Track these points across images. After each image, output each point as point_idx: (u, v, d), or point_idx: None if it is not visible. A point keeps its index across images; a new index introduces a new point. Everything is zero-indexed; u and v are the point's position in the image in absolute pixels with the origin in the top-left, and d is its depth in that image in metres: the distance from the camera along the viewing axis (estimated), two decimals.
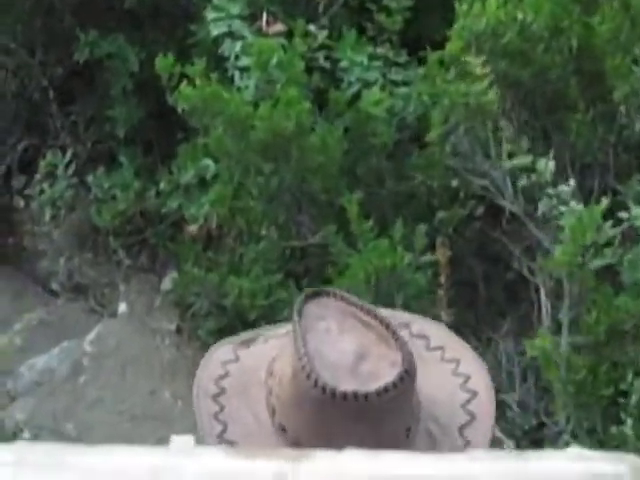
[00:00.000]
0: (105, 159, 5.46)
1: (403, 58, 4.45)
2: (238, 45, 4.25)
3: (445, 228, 3.99)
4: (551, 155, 3.30)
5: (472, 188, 3.85)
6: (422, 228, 4.02)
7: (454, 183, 3.83)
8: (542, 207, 3.24)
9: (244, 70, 4.24)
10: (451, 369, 1.42)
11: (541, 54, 3.51)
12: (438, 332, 1.48)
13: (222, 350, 1.45)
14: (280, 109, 3.60)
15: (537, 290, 3.96)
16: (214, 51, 4.52)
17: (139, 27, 5.27)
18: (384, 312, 1.40)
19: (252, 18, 4.45)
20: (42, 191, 5.60)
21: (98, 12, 5.26)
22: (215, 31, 4.31)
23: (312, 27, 4.27)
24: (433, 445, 1.33)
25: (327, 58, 4.25)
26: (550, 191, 3.15)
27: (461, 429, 1.36)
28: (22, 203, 6.26)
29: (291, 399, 1.32)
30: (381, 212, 4.03)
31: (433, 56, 3.89)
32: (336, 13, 4.72)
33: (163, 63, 3.99)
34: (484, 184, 3.74)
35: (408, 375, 1.30)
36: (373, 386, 1.28)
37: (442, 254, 3.67)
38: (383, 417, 1.29)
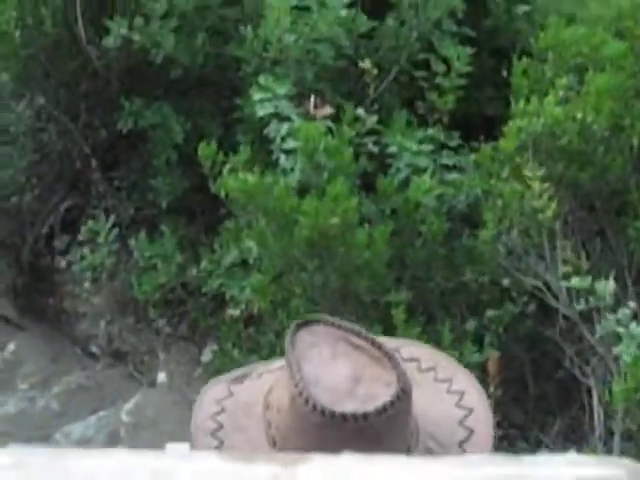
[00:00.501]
0: (148, 224, 5.36)
1: (455, 141, 4.30)
2: (284, 127, 4.12)
3: (495, 326, 3.82)
4: (611, 275, 3.13)
5: (524, 286, 3.68)
6: (471, 324, 3.86)
7: (505, 282, 3.67)
8: (601, 330, 3.07)
9: (290, 152, 4.11)
10: (445, 388, 1.43)
11: (601, 155, 3.35)
12: (428, 354, 1.49)
13: (216, 388, 1.46)
14: (326, 204, 3.46)
15: (589, 392, 3.78)
16: (259, 128, 4.40)
17: (185, 97, 5.16)
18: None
19: (299, 97, 4.32)
20: (83, 257, 5.50)
21: (143, 80, 5.15)
22: (261, 112, 4.18)
23: (361, 111, 4.12)
24: None
25: (376, 143, 4.10)
26: (610, 317, 2.98)
27: (460, 444, 1.37)
28: (63, 264, 6.19)
29: (291, 426, 1.32)
30: (428, 307, 3.87)
31: (487, 148, 3.73)
32: (386, 88, 4.58)
33: (206, 151, 3.87)
34: (537, 284, 3.58)
35: (404, 393, 1.31)
36: (371, 406, 1.29)
37: (492, 363, 3.49)
38: (383, 436, 1.29)
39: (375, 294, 3.48)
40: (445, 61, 4.44)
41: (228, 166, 3.95)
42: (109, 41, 4.53)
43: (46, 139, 5.68)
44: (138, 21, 4.60)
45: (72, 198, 6.08)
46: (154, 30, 4.60)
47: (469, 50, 4.40)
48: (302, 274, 3.51)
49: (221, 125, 5.08)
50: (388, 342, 1.46)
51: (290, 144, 4.08)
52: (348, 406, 1.31)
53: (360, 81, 4.56)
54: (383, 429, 1.30)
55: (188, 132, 5.02)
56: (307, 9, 4.41)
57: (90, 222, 5.39)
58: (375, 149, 4.10)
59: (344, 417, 1.29)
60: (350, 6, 4.41)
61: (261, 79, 4.16)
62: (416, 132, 4.11)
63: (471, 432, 1.39)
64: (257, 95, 4.15)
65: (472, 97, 4.62)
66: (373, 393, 1.32)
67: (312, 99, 4.07)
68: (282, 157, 4.13)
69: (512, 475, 0.83)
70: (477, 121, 4.84)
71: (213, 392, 1.46)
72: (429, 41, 4.56)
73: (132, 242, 5.33)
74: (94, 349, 6.05)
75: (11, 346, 6.42)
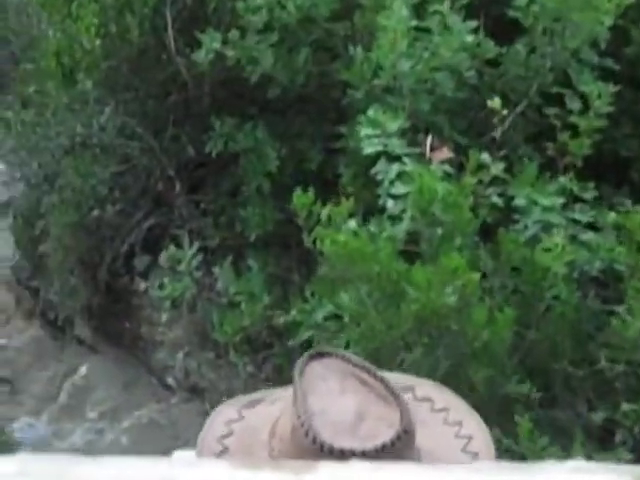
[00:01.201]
0: (234, 255, 4.83)
1: (589, 193, 3.67)
2: (394, 169, 3.54)
3: (630, 422, 3.20)
4: None
5: None
6: (599, 416, 3.25)
7: None
8: None
9: (399, 198, 3.53)
10: (454, 432, 1.41)
11: None
12: (442, 395, 1.48)
13: (227, 411, 1.45)
14: (441, 275, 2.88)
15: None
16: (365, 165, 3.84)
17: (281, 118, 4.62)
18: (389, 375, 1.40)
19: (413, 131, 3.74)
20: (162, 285, 5.00)
21: (237, 98, 4.63)
22: (368, 149, 3.61)
23: (485, 156, 3.51)
24: None
25: (501, 195, 3.50)
26: None
27: None
28: (142, 286, 5.71)
29: (291, 456, 1.31)
30: (550, 390, 3.27)
31: (635, 216, 3.11)
32: (511, 124, 3.97)
33: (301, 199, 3.31)
34: None
35: (406, 434, 1.29)
36: (371, 444, 1.28)
37: None
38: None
39: (493, 385, 2.89)
40: (582, 97, 3.81)
41: (325, 213, 3.39)
42: (200, 55, 4.00)
43: (131, 152, 5.20)
44: (234, 34, 4.06)
45: (155, 216, 5.59)
46: (251, 45, 4.05)
47: (611, 87, 3.76)
48: (409, 354, 2.94)
49: (321, 152, 4.53)
50: (405, 379, 1.49)
51: (400, 189, 3.50)
52: (347, 442, 1.29)
53: (482, 115, 3.96)
54: None
55: (283, 159, 4.48)
56: (427, 31, 3.82)
57: (172, 247, 4.86)
58: (499, 201, 3.50)
59: (342, 453, 1.26)
60: (475, 31, 3.80)
61: (370, 112, 3.58)
62: (547, 185, 3.49)
63: None
64: (365, 130, 3.57)
65: (608, 136, 3.98)
66: (375, 432, 1.31)
67: (429, 140, 3.48)
68: (389, 202, 3.55)
69: None
70: (610, 161, 4.22)
71: (224, 414, 1.46)
72: (564, 73, 3.93)
73: (216, 270, 4.83)
74: (170, 381, 5.57)
75: (83, 369, 5.99)
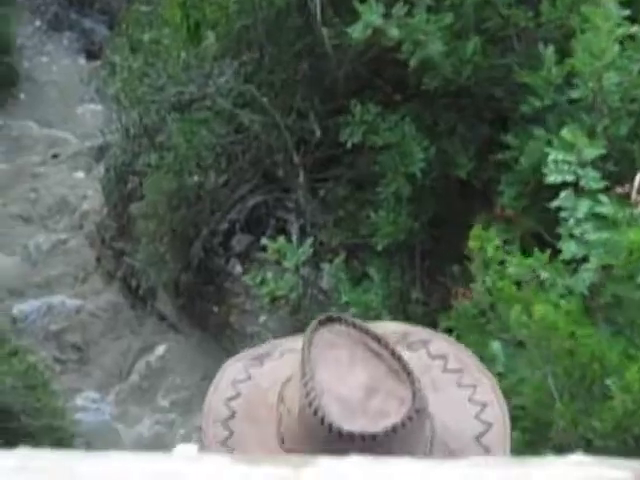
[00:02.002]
0: (352, 260, 4.14)
1: None
2: (583, 207, 2.81)
3: None
4: None
5: None
6: None
7: None
8: None
9: (585, 243, 2.80)
10: (467, 396, 1.35)
11: None
12: (457, 353, 1.40)
13: (234, 369, 1.39)
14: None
15: None
16: (538, 189, 3.12)
17: (433, 113, 3.89)
18: (402, 328, 1.39)
19: (613, 162, 3.00)
20: (264, 281, 4.32)
21: (385, 83, 3.92)
22: (553, 177, 2.88)
23: None
24: None
25: None
26: None
27: None
28: (238, 270, 5.06)
29: (299, 433, 1.27)
30: None
31: None
32: None
33: (477, 238, 2.59)
34: None
35: (417, 414, 1.25)
36: (381, 426, 1.22)
37: None
38: (393, 454, 1.21)
39: None
40: None
41: (491, 249, 2.68)
42: (356, 30, 3.27)
43: (247, 122, 4.51)
44: (398, 9, 3.32)
45: (263, 194, 4.93)
46: (419, 25, 3.32)
47: None
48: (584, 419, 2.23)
49: (474, 158, 3.80)
50: (419, 332, 1.41)
51: (590, 233, 2.78)
52: (358, 423, 1.23)
53: None
54: (392, 448, 1.22)
55: (429, 160, 3.76)
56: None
57: (281, 240, 4.17)
58: None
59: (351, 436, 1.21)
60: None
61: (565, 133, 2.84)
62: None
63: (487, 450, 1.31)
64: (555, 154, 2.83)
65: None
66: (385, 410, 1.25)
67: (637, 180, 2.74)
68: (571, 244, 2.83)
69: (519, 476, 0.78)
70: None
71: (230, 373, 1.39)
72: None
73: (325, 266, 4.16)
74: None
75: (160, 349, 5.37)
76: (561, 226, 2.88)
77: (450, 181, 3.90)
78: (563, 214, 2.86)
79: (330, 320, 1.33)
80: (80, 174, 6.83)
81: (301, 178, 4.20)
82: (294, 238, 4.39)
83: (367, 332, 1.32)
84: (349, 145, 3.75)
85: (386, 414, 1.25)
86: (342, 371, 1.29)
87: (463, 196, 3.96)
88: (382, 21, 3.28)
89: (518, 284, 2.79)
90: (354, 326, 1.33)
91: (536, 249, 2.87)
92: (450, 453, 1.32)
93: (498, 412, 1.36)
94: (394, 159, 3.71)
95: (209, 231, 5.06)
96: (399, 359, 1.29)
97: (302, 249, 4.08)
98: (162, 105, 5.13)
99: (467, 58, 3.49)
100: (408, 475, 0.81)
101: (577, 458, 0.81)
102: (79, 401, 5.13)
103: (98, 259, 5.91)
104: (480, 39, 3.54)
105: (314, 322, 1.32)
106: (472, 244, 2.59)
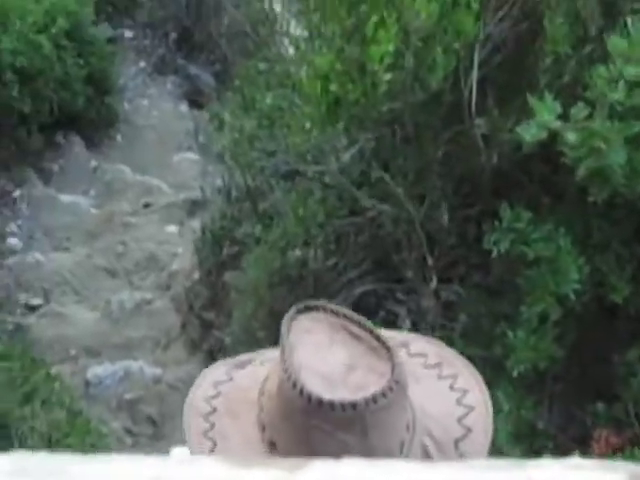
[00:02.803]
0: None
1: None
2: None
3: None
4: None
5: None
6: None
7: None
8: None
9: None
10: (448, 385, 1.38)
11: None
12: (436, 350, 1.43)
13: (216, 372, 1.41)
14: None
15: None
16: None
17: (580, 216, 3.37)
18: (382, 331, 1.32)
19: None
20: None
21: (537, 181, 3.40)
22: None
23: None
24: (427, 459, 1.29)
25: None
26: None
27: (456, 442, 1.32)
28: None
29: (279, 411, 1.26)
30: None
31: None
32: None
33: None
34: None
35: (398, 385, 1.23)
36: (361, 395, 1.21)
37: None
38: (373, 428, 1.22)
39: None
40: None
41: None
42: (529, 130, 2.74)
43: (368, 205, 4.00)
44: (578, 111, 2.80)
45: (373, 281, 4.41)
46: (600, 131, 2.80)
47: None
48: None
49: (630, 281, 3.26)
50: (399, 335, 1.43)
51: None
52: (337, 394, 1.21)
53: None
54: (374, 420, 1.21)
55: (583, 279, 3.22)
56: None
57: None
58: None
59: (331, 405, 1.20)
60: None
61: None
62: None
63: (469, 430, 1.32)
64: None
65: None
66: (365, 383, 1.24)
67: None
68: None
69: (516, 479, 0.77)
70: None
71: (212, 375, 1.40)
72: None
73: None
74: None
75: None
76: None
77: (601, 304, 3.36)
78: None
79: (308, 308, 1.32)
80: (172, 228, 6.40)
81: (434, 283, 3.68)
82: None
83: (345, 316, 1.31)
84: (494, 253, 3.22)
85: (366, 387, 1.23)
86: (321, 352, 1.28)
87: (613, 322, 3.41)
88: (559, 123, 2.76)
89: None
90: (332, 312, 1.32)
91: None
92: (430, 434, 1.31)
93: (479, 396, 1.36)
94: (544, 276, 3.17)
95: None
96: (378, 338, 1.29)
97: None
98: (272, 172, 4.68)
99: None
100: (402, 477, 0.78)
101: (574, 461, 0.80)
102: None
103: (183, 325, 5.44)
104: None
105: (292, 310, 1.31)
106: None
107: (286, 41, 4.91)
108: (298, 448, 1.24)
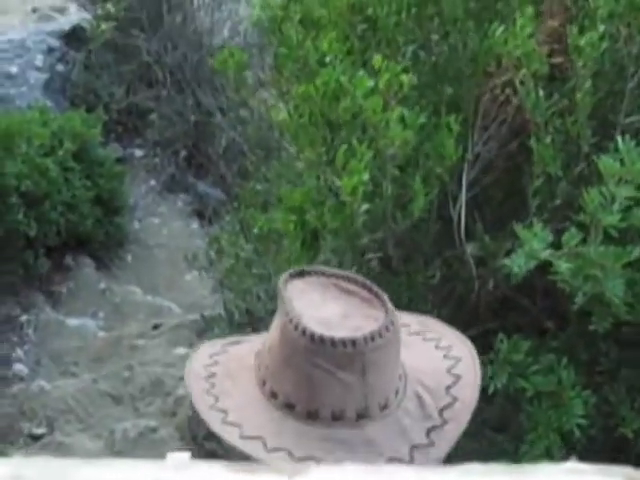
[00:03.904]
0: None
1: None
2: None
3: None
4: None
5: None
6: None
7: None
8: None
9: None
10: (434, 345, 1.45)
11: None
12: (417, 320, 1.50)
13: (210, 347, 1.49)
14: None
15: None
16: None
17: (585, 340, 3.10)
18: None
19: None
20: None
21: (526, 303, 3.15)
22: None
23: None
24: (422, 405, 1.35)
25: None
26: None
27: (448, 388, 1.39)
28: None
29: (281, 358, 1.32)
30: None
31: None
32: None
33: None
34: None
35: (392, 325, 1.31)
36: (359, 334, 1.28)
37: None
38: (371, 367, 1.27)
39: None
40: None
41: None
42: (516, 262, 2.50)
43: None
44: (570, 238, 2.55)
45: None
46: (595, 258, 2.55)
47: None
48: None
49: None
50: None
51: None
52: (337, 333, 1.28)
53: None
54: (371, 359, 1.26)
55: (589, 413, 2.93)
56: None
57: None
58: None
59: (333, 342, 1.26)
60: None
61: None
62: None
63: (458, 377, 1.39)
64: None
65: None
66: (362, 326, 1.31)
67: None
68: None
69: None
70: None
71: (207, 350, 1.48)
72: None
73: None
74: None
75: None
76: None
77: (610, 434, 3.07)
78: None
79: (301, 273, 1.39)
80: (180, 350, 6.14)
81: None
82: None
83: (337, 275, 1.38)
84: (490, 391, 2.94)
85: (363, 328, 1.31)
86: (317, 306, 1.35)
87: (626, 453, 3.13)
88: (549, 252, 2.51)
89: None
90: (323, 274, 1.39)
91: None
92: (421, 383, 1.37)
93: (464, 349, 1.43)
94: (546, 412, 2.89)
95: None
96: (370, 289, 1.35)
97: None
98: (269, 298, 4.45)
99: None
100: None
101: (572, 465, 0.79)
102: None
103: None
104: None
105: (285, 275, 1.37)
106: None
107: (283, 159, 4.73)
108: (298, 393, 1.27)
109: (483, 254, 2.98)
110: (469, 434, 3.46)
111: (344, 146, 2.48)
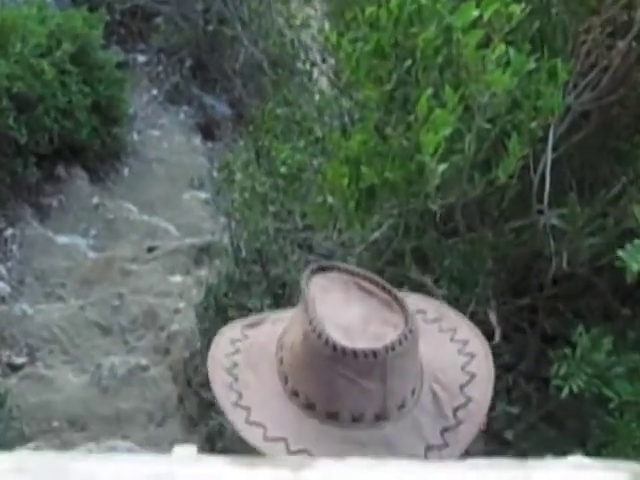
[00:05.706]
0: None
1: None
2: None
3: None
4: None
5: None
6: None
7: None
8: None
9: None
10: (449, 337, 1.40)
11: None
12: (434, 306, 1.46)
13: (231, 331, 1.44)
14: None
15: None
16: None
17: None
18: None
19: None
20: None
21: (599, 283, 2.60)
22: None
23: None
24: (437, 402, 1.31)
25: None
26: None
27: (462, 387, 1.34)
28: None
29: (303, 362, 1.30)
30: None
31: None
32: None
33: None
34: None
35: (411, 334, 1.28)
36: (380, 344, 1.26)
37: None
38: (391, 374, 1.26)
39: None
40: None
41: None
42: (632, 259, 1.93)
43: None
44: None
45: None
46: None
47: None
48: None
49: None
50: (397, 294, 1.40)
51: None
52: (359, 343, 1.27)
53: None
54: (391, 367, 1.26)
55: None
56: None
57: None
58: None
59: (355, 353, 1.25)
60: None
61: None
62: None
63: (472, 376, 1.36)
64: None
65: None
66: (382, 334, 1.29)
67: None
68: None
69: (517, 478, 0.75)
70: None
71: (228, 334, 1.44)
72: None
73: None
74: None
75: None
76: None
77: None
78: None
79: (322, 269, 1.36)
80: (176, 278, 5.59)
81: None
82: None
83: (358, 274, 1.35)
84: (564, 394, 2.41)
85: (383, 336, 1.27)
86: (339, 307, 1.31)
87: None
88: None
89: None
90: (345, 271, 1.36)
91: None
92: (438, 381, 1.33)
93: (479, 345, 1.38)
94: (628, 426, 2.36)
95: None
96: (389, 292, 1.32)
97: None
98: (286, 239, 3.89)
99: None
100: (406, 477, 0.77)
101: (576, 460, 0.78)
102: None
103: (181, 400, 4.65)
104: None
105: (307, 271, 1.35)
106: None
107: (311, 83, 4.13)
108: (319, 395, 1.27)
109: (570, 223, 2.41)
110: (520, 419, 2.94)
111: (429, 89, 1.89)
